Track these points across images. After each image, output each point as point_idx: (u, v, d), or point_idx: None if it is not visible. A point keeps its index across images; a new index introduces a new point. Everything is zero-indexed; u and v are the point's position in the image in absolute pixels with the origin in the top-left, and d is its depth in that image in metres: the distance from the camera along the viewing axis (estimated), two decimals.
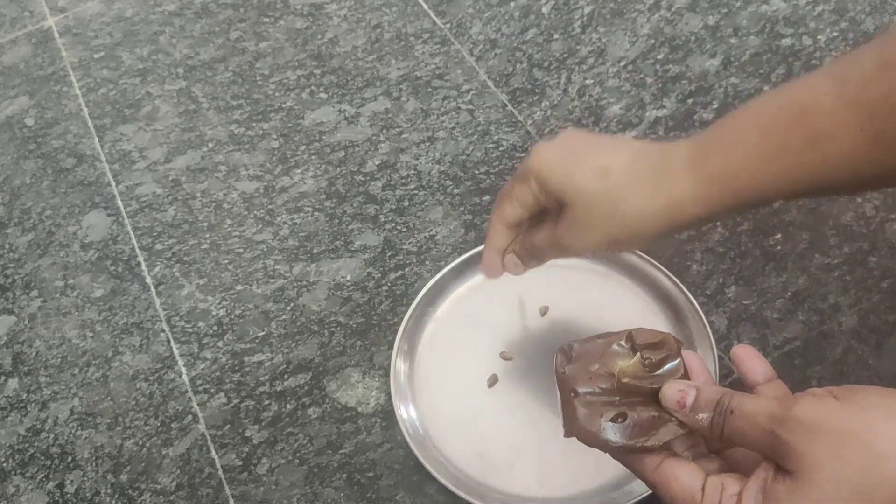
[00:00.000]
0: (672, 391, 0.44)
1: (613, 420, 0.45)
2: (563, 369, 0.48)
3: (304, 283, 0.76)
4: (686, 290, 0.68)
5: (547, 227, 0.54)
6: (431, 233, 0.77)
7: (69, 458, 0.69)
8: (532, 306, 0.71)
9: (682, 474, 0.42)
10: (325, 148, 0.85)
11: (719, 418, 0.41)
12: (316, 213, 0.80)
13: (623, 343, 0.48)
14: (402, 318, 0.71)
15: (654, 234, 0.51)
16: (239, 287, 0.77)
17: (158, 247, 0.80)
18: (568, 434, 0.46)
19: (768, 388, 0.44)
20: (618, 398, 0.46)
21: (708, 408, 0.42)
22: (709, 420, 0.42)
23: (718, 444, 0.45)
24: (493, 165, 0.81)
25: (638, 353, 0.47)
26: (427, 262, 0.76)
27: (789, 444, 0.37)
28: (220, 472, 0.67)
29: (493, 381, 0.68)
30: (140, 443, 0.69)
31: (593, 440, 0.45)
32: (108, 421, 0.71)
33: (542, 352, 0.68)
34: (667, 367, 0.46)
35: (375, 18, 0.96)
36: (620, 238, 0.51)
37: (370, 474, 0.65)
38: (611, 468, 0.62)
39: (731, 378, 0.66)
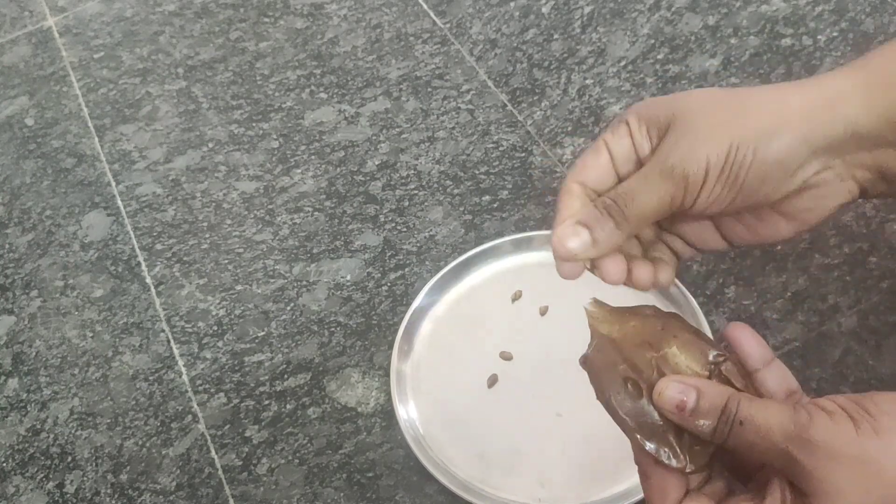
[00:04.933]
0: (671, 392, 0.39)
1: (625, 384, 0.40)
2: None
3: (304, 283, 0.76)
4: (685, 291, 0.68)
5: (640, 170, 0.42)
6: (431, 233, 0.77)
7: (69, 458, 0.69)
8: (532, 306, 0.71)
9: None
10: (325, 148, 0.85)
11: (725, 427, 0.37)
12: (316, 213, 0.80)
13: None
14: (402, 318, 0.71)
15: (791, 145, 0.39)
16: (239, 287, 0.77)
17: (158, 247, 0.80)
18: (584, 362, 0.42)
19: (771, 378, 0.41)
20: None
21: (712, 414, 0.38)
22: (712, 428, 0.38)
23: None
24: (493, 165, 0.81)
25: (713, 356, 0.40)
26: (427, 262, 0.76)
27: (806, 468, 0.35)
28: (220, 472, 0.67)
29: (493, 381, 0.68)
30: (140, 443, 0.69)
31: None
32: (108, 421, 0.71)
33: (543, 352, 0.68)
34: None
35: (375, 18, 0.96)
36: (745, 143, 0.39)
37: (370, 474, 0.65)
38: (611, 469, 0.62)
39: None
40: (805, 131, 0.40)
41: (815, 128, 0.40)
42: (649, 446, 0.39)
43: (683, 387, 0.39)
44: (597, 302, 0.45)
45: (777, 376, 0.42)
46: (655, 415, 0.39)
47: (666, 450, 0.39)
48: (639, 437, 0.39)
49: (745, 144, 0.40)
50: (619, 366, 0.41)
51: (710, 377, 0.40)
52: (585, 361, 0.42)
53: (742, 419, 0.37)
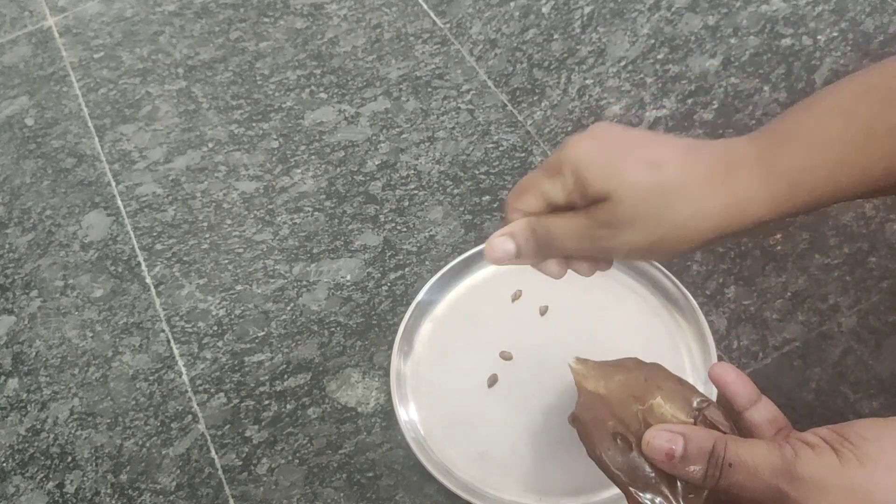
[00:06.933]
0: (658, 441, 0.40)
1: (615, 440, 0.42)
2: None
3: (304, 283, 0.76)
4: (686, 291, 0.68)
5: (570, 216, 0.46)
6: (431, 233, 0.77)
7: (69, 458, 0.69)
8: (532, 306, 0.71)
9: None
10: (325, 148, 0.85)
11: (715, 470, 0.38)
12: (316, 213, 0.80)
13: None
14: (401, 318, 0.71)
15: (705, 239, 0.44)
16: (239, 287, 0.77)
17: (158, 247, 0.80)
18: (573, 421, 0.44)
19: (759, 416, 0.42)
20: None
21: (700, 459, 0.39)
22: (702, 472, 0.39)
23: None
24: (493, 165, 0.81)
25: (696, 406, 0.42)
26: (427, 262, 0.76)
27: (798, 502, 0.36)
28: (220, 472, 0.67)
29: (493, 381, 0.68)
30: (140, 443, 0.69)
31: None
32: (108, 421, 0.71)
33: (543, 351, 0.68)
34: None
35: (375, 18, 0.96)
36: (667, 240, 0.44)
37: (370, 474, 0.65)
38: None
39: None
40: (720, 229, 0.44)
41: (728, 227, 0.44)
42: (645, 499, 0.40)
43: (670, 435, 0.40)
44: (580, 359, 0.46)
45: (765, 414, 0.43)
46: (647, 467, 0.40)
47: (661, 500, 0.40)
48: (633, 490, 0.40)
49: (667, 240, 0.44)
50: (607, 422, 0.42)
51: (695, 423, 0.41)
52: (575, 419, 0.44)
53: (731, 461, 0.38)
